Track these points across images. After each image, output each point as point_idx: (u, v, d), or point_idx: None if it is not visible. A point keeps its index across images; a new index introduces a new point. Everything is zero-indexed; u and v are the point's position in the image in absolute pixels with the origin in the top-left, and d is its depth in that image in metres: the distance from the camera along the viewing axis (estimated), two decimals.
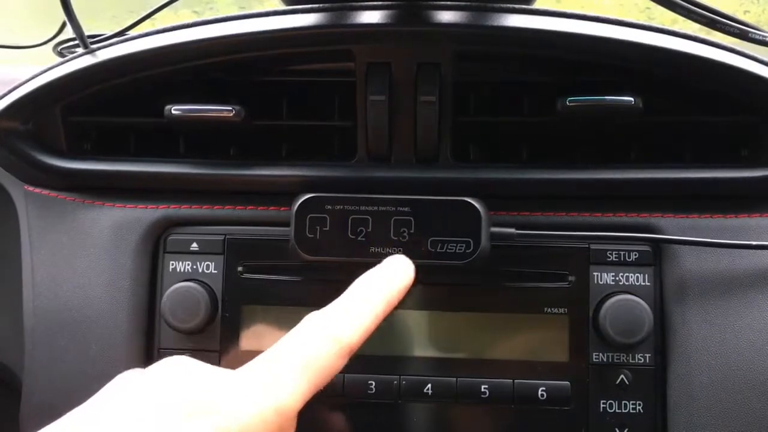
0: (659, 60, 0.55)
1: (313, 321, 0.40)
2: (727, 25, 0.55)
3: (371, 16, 0.55)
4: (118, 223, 0.59)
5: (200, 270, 0.58)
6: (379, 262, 0.53)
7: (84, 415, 0.32)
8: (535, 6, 0.58)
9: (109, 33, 0.65)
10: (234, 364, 0.56)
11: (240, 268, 0.58)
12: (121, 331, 0.57)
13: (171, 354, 0.56)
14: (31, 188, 0.62)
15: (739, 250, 0.56)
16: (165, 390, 0.33)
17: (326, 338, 0.38)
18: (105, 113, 0.61)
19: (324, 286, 0.56)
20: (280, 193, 0.58)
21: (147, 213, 0.59)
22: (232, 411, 0.33)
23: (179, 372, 0.35)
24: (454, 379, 0.55)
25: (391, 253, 0.53)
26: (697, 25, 0.56)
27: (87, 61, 0.59)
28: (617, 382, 0.55)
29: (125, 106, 0.61)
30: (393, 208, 0.53)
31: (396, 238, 0.53)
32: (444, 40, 0.55)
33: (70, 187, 0.61)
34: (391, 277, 0.46)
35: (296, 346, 0.38)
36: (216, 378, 0.35)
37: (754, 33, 0.55)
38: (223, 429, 0.32)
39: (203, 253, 0.59)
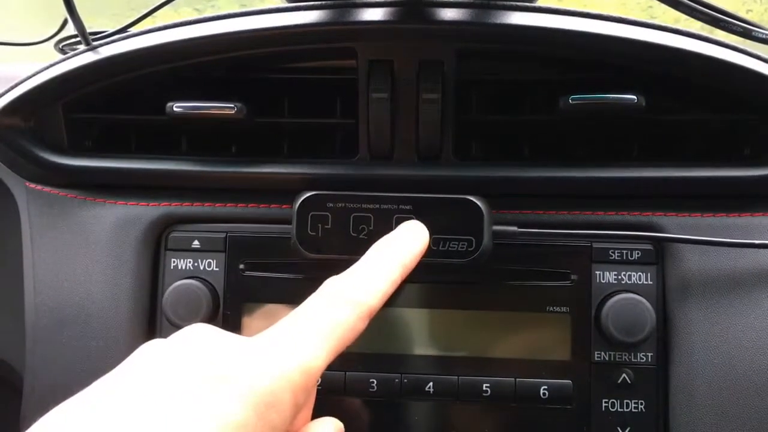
0: (662, 58, 0.55)
1: (333, 285, 0.41)
2: (730, 23, 0.55)
3: (373, 14, 0.55)
4: (119, 220, 0.59)
5: (202, 267, 0.58)
6: None
7: (110, 384, 0.32)
8: (538, 4, 0.58)
9: (110, 30, 0.65)
10: None
11: (241, 266, 0.58)
12: (123, 329, 0.57)
13: None
14: (32, 185, 0.62)
15: (742, 249, 0.55)
16: (190, 357, 0.33)
17: (347, 301, 0.39)
18: (107, 110, 0.61)
19: None
20: (281, 191, 0.58)
21: (148, 210, 0.59)
22: (259, 373, 0.33)
23: (203, 339, 0.35)
24: (456, 377, 0.55)
25: None
26: (699, 24, 0.55)
27: (88, 57, 0.58)
28: (619, 381, 0.55)
29: (127, 103, 0.61)
30: (395, 206, 0.53)
31: None
32: (446, 37, 0.55)
33: (72, 185, 0.61)
34: (406, 242, 0.46)
35: (318, 309, 0.39)
36: (240, 342, 0.35)
37: (758, 31, 0.55)
38: (250, 391, 0.32)
39: (205, 250, 0.59)
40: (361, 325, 0.39)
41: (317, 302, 0.39)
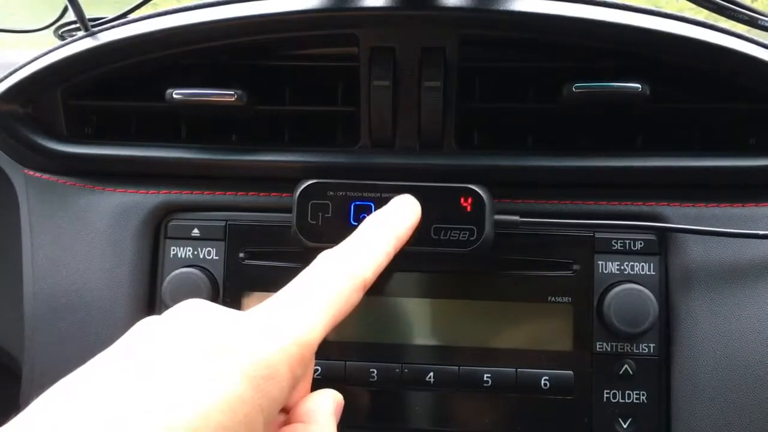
0: (667, 46, 0.54)
1: (328, 258, 0.41)
2: (736, 11, 0.54)
3: (376, 0, 0.55)
4: (118, 207, 0.59)
5: (201, 256, 0.58)
6: None
7: (107, 360, 0.32)
8: None
9: (110, 16, 0.64)
10: None
11: (241, 255, 0.58)
12: (121, 317, 0.57)
13: None
14: (31, 172, 0.62)
15: (746, 239, 0.55)
16: (186, 331, 0.33)
17: (342, 273, 0.39)
18: (106, 97, 0.61)
19: None
20: (282, 179, 0.58)
21: (148, 198, 0.59)
22: (256, 346, 0.33)
23: (199, 313, 0.35)
24: (457, 367, 0.55)
25: None
26: (705, 12, 0.55)
27: (88, 43, 0.58)
28: (621, 371, 0.55)
29: (126, 90, 0.61)
30: (396, 195, 0.53)
31: None
32: (449, 24, 0.55)
33: (71, 172, 0.61)
34: (399, 215, 0.47)
35: (313, 281, 0.39)
36: (236, 316, 0.35)
37: (763, 20, 0.55)
38: (247, 364, 0.32)
39: (204, 239, 0.58)
40: (356, 297, 0.40)
41: (312, 274, 0.39)
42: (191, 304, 0.36)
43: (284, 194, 0.58)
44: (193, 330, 0.33)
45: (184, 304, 0.36)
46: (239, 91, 0.56)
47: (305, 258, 0.56)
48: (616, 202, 0.57)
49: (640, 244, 0.56)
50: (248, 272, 0.58)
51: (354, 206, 0.53)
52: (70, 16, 0.76)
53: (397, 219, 0.46)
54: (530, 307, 0.56)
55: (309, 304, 0.37)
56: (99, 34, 0.59)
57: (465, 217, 0.52)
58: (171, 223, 0.59)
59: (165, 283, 0.56)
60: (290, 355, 0.34)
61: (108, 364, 0.31)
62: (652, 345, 0.55)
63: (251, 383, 0.31)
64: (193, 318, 0.34)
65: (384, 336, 0.56)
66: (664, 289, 0.56)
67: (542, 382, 0.55)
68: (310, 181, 0.54)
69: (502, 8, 0.54)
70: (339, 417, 0.40)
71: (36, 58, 0.59)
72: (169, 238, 0.59)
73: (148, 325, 0.35)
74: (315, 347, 0.36)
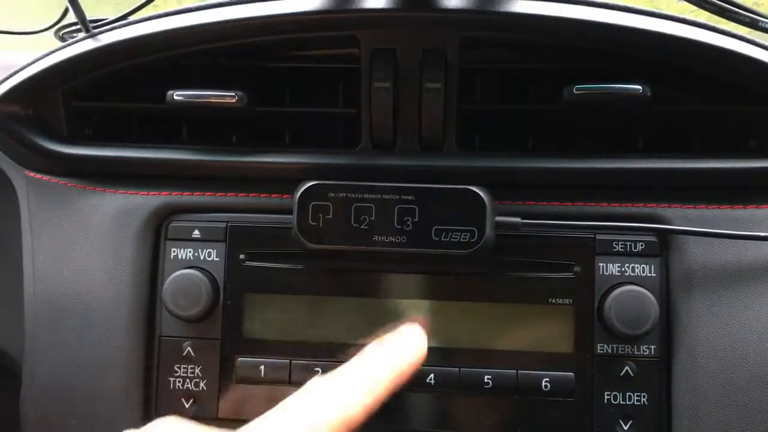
0: (668, 48, 0.54)
1: (315, 389, 0.38)
2: (737, 13, 0.54)
3: (377, 1, 0.55)
4: (119, 209, 0.59)
5: (202, 257, 0.58)
6: (382, 251, 0.52)
7: None
8: None
9: (111, 18, 0.64)
10: (235, 352, 0.56)
11: (242, 256, 0.58)
12: (122, 318, 0.57)
13: (172, 341, 0.57)
14: (32, 174, 0.62)
15: (747, 241, 0.55)
16: None
17: (325, 412, 0.37)
18: (107, 98, 0.61)
19: (326, 274, 0.56)
20: (283, 180, 0.58)
21: (148, 199, 0.59)
22: None
23: None
24: (457, 369, 0.55)
25: (395, 242, 0.53)
26: (706, 14, 0.55)
27: (88, 45, 0.58)
28: (622, 373, 0.54)
29: (127, 91, 0.61)
30: (397, 197, 0.53)
31: (400, 227, 0.53)
32: (450, 25, 0.55)
33: (71, 173, 0.61)
34: (401, 353, 0.43)
35: (293, 414, 0.37)
36: None
37: (765, 22, 0.55)
38: None
39: (205, 240, 0.58)
40: None
41: (296, 406, 0.37)
42: (164, 425, 0.36)
43: (285, 195, 0.58)
44: None
45: (158, 424, 0.36)
46: (240, 93, 0.56)
47: (306, 259, 0.57)
48: (616, 204, 0.57)
49: (641, 245, 0.56)
50: (249, 274, 0.58)
51: (355, 208, 0.53)
52: (71, 17, 0.76)
53: (398, 359, 0.42)
54: (531, 309, 0.56)
55: None
56: (100, 36, 0.59)
57: (466, 219, 0.52)
58: (171, 225, 0.59)
59: (165, 285, 0.56)
60: None
61: None
62: (653, 347, 0.55)
63: None
64: None
65: None
66: (665, 290, 0.56)
67: (543, 383, 0.54)
68: (310, 183, 0.54)
69: (503, 10, 0.54)
70: None
71: (37, 60, 0.59)
72: (170, 239, 0.59)
73: None
74: None
